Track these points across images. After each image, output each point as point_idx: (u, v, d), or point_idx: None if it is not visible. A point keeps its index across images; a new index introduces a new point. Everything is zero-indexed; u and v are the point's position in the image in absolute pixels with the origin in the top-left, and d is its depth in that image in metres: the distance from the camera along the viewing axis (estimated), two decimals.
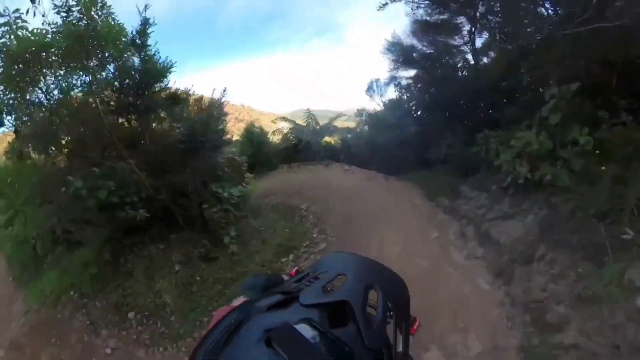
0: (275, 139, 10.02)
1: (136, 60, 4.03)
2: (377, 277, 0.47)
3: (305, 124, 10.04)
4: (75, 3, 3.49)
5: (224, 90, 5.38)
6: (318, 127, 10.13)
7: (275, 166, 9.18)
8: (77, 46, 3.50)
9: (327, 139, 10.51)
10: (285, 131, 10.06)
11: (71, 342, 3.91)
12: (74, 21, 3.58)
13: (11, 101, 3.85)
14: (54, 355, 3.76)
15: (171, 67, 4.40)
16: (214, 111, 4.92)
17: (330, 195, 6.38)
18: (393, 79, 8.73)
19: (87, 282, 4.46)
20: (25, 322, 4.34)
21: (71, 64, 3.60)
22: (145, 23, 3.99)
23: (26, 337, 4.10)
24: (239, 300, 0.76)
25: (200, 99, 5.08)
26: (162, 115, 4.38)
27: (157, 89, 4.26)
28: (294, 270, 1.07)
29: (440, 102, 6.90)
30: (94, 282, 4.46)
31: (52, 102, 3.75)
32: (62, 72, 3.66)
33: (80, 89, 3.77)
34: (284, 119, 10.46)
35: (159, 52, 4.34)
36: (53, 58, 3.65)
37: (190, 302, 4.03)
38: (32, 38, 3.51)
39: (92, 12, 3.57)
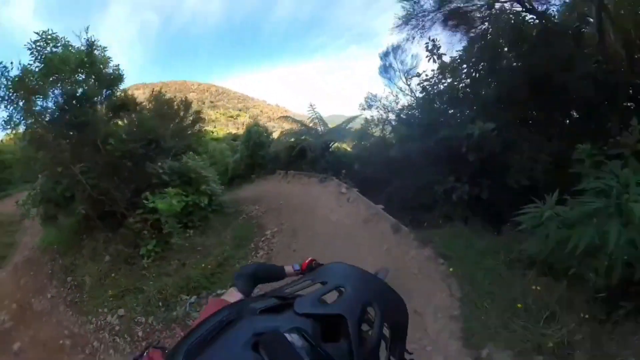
0: (284, 140, 8.79)
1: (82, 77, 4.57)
2: (377, 296, 0.47)
3: (311, 125, 8.72)
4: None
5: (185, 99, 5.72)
6: (322, 130, 8.65)
7: (273, 171, 8.55)
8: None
9: (338, 145, 9.09)
10: (281, 132, 9.10)
11: (40, 276, 5.24)
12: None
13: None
14: (29, 274, 5.26)
15: (119, 78, 4.98)
16: (155, 122, 5.27)
17: (304, 232, 5.26)
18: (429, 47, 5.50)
19: (66, 244, 5.69)
20: (26, 255, 6.05)
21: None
22: (91, 43, 4.53)
23: (21, 263, 5.76)
24: (231, 293, 0.91)
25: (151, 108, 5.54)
26: (105, 128, 4.95)
27: (99, 104, 4.84)
28: (305, 262, 1.16)
29: (514, 91, 4.71)
30: (65, 245, 5.63)
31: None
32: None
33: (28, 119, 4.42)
34: (287, 117, 9.52)
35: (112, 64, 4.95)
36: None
37: (101, 290, 4.56)
38: None
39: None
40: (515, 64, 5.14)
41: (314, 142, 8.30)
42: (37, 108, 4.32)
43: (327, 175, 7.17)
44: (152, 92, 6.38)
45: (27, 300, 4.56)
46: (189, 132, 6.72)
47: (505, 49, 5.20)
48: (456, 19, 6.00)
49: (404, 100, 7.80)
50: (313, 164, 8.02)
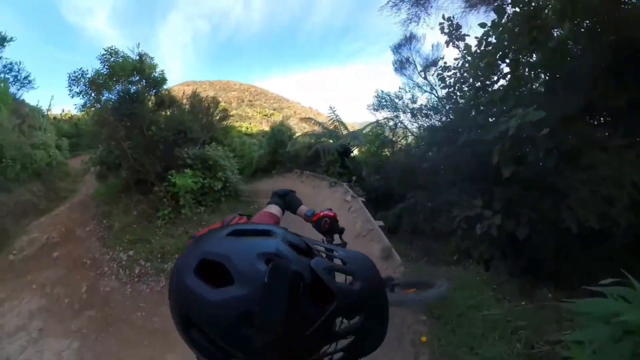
0: (303, 140, 9.23)
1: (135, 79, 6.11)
2: (371, 304, 0.47)
3: (332, 127, 8.90)
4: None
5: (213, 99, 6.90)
6: (342, 133, 8.74)
7: (291, 169, 8.98)
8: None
9: (357, 150, 9.26)
10: (303, 133, 9.38)
11: (85, 215, 6.68)
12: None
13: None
14: (79, 212, 6.76)
15: (163, 80, 6.39)
16: (187, 116, 6.52)
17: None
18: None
19: (110, 197, 7.05)
20: (81, 199, 7.64)
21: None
22: (141, 55, 6.01)
23: (77, 203, 7.36)
24: (270, 207, 1.10)
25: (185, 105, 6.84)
26: (150, 117, 6.37)
27: (148, 99, 6.29)
28: (319, 214, 1.18)
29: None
30: (108, 197, 6.99)
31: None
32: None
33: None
34: (309, 119, 9.77)
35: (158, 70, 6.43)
36: None
37: (122, 234, 5.72)
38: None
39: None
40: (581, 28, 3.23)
41: (330, 145, 8.50)
42: (103, 98, 5.96)
43: (338, 180, 7.20)
44: (196, 89, 7.72)
45: (72, 228, 6.15)
46: (216, 126, 7.85)
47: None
48: None
49: (423, 98, 6.52)
50: (328, 167, 8.29)
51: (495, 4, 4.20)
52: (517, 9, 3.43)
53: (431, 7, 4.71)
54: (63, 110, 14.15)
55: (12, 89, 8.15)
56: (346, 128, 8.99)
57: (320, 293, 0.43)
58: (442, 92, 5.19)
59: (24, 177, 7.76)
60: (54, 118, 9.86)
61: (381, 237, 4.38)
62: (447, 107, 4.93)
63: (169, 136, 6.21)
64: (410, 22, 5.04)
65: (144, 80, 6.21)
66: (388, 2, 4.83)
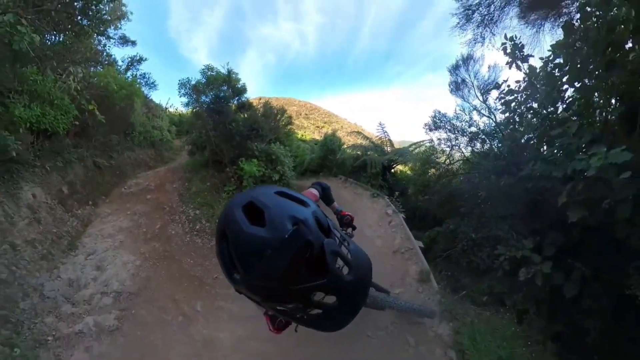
0: (350, 151, 10.00)
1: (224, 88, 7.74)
2: (350, 296, 0.52)
3: (378, 142, 9.52)
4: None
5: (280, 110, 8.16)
6: (388, 149, 9.28)
7: (336, 175, 9.62)
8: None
9: (400, 167, 9.42)
10: (351, 144, 9.96)
11: (174, 176, 8.26)
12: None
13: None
14: (171, 174, 8.43)
15: (244, 90, 7.90)
16: (260, 118, 7.86)
17: None
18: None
19: (194, 168, 8.70)
20: (175, 166, 9.44)
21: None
22: (230, 70, 7.63)
23: (172, 168, 9.14)
24: (310, 190, 1.43)
25: (258, 110, 8.21)
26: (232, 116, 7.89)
27: (232, 103, 7.87)
28: (345, 212, 1.46)
29: None
30: (193, 169, 8.62)
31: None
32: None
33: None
34: (358, 133, 10.43)
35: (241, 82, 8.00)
36: None
37: (196, 197, 7.06)
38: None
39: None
40: None
41: (377, 159, 8.94)
42: (201, 99, 7.78)
43: (380, 192, 7.44)
44: (266, 101, 9.20)
45: (164, 183, 7.78)
46: (281, 130, 9.10)
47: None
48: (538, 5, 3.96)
49: (480, 122, 6.16)
50: (371, 179, 8.71)
51: (563, 19, 3.83)
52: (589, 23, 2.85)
53: (496, 27, 4.38)
54: (172, 106, 18.44)
55: (144, 90, 11.25)
56: (392, 145, 9.22)
57: (319, 266, 0.49)
58: (501, 117, 4.83)
59: (144, 145, 10.36)
60: (168, 112, 12.80)
61: (420, 258, 4.12)
62: (506, 134, 4.48)
63: (244, 131, 7.58)
64: (475, 43, 4.82)
65: (230, 89, 7.85)
66: (457, 24, 4.74)
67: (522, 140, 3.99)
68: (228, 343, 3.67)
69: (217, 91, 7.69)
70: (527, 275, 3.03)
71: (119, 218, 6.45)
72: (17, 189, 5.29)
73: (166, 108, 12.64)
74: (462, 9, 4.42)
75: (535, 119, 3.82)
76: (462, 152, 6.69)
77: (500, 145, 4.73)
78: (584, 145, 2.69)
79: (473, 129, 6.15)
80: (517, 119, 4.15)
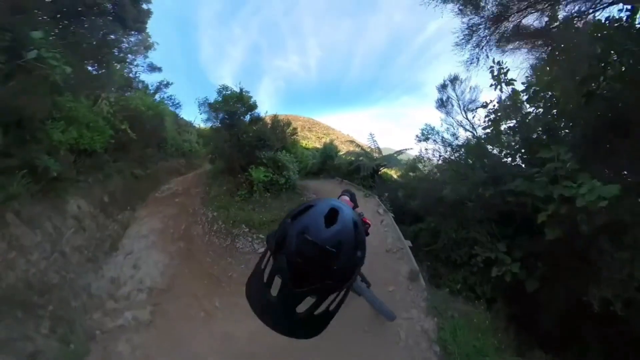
0: (345, 157, 9.89)
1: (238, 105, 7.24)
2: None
3: (368, 150, 9.40)
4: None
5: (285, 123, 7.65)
6: (377, 155, 9.13)
7: (334, 177, 9.57)
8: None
9: (386, 170, 9.16)
10: (346, 151, 9.87)
11: (199, 181, 8.02)
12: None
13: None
14: (196, 178, 8.23)
15: (255, 106, 7.40)
16: (267, 130, 7.37)
17: None
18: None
19: (214, 174, 8.32)
20: (201, 172, 9.14)
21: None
22: (242, 89, 7.09)
23: (198, 174, 8.89)
24: (344, 197, 1.60)
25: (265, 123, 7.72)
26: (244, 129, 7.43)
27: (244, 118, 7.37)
28: (365, 219, 1.37)
29: None
30: (214, 175, 8.23)
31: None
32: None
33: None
34: (352, 142, 10.26)
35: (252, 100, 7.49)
36: None
37: (213, 200, 6.72)
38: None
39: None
40: None
41: (368, 163, 8.87)
42: (217, 115, 7.31)
43: (371, 193, 7.28)
44: (274, 116, 8.62)
45: (190, 187, 7.53)
46: (288, 139, 8.61)
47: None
48: (516, 37, 3.93)
49: (464, 136, 5.87)
50: (363, 180, 8.63)
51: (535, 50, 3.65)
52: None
53: (491, 49, 4.15)
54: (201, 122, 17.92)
55: (171, 109, 10.73)
56: (380, 152, 9.03)
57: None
58: (481, 133, 4.48)
59: (176, 155, 9.99)
60: (198, 127, 12.26)
61: (410, 258, 3.84)
62: (488, 151, 4.18)
63: (253, 142, 7.15)
64: (470, 64, 4.56)
65: (242, 106, 7.31)
66: (457, 43, 4.48)
67: (503, 157, 3.80)
68: (244, 337, 3.45)
69: (230, 107, 7.18)
70: (498, 273, 3.09)
71: (153, 220, 6.19)
72: (63, 203, 4.99)
73: (197, 124, 12.22)
74: (466, 27, 4.08)
75: (516, 138, 3.56)
76: (447, 162, 6.22)
77: (485, 159, 4.24)
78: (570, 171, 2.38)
79: (456, 142, 5.91)
80: (503, 137, 3.84)
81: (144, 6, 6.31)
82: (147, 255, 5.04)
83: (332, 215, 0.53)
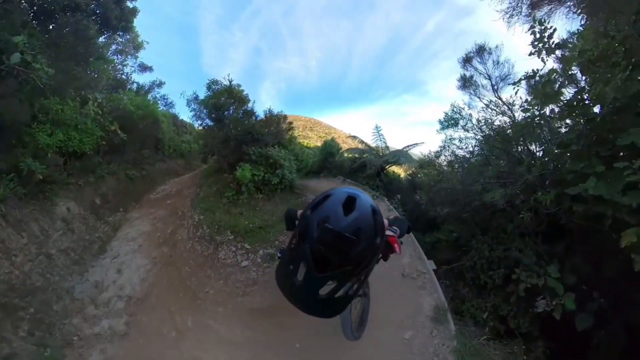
0: (347, 154, 9.42)
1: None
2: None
3: (374, 145, 8.75)
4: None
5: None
6: (383, 151, 8.44)
7: (336, 175, 9.09)
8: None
9: (393, 169, 8.48)
10: (348, 148, 9.29)
11: (193, 182, 8.09)
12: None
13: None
14: (192, 178, 8.38)
15: (246, 100, 7.24)
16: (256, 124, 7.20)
17: None
18: None
19: (207, 174, 8.34)
20: (197, 172, 9.28)
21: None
22: (231, 82, 6.95)
23: (193, 175, 9.08)
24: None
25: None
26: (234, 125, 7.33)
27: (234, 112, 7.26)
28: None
29: None
30: (206, 175, 8.13)
31: None
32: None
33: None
34: (355, 137, 9.61)
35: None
36: None
37: (202, 201, 6.72)
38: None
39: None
40: None
41: (374, 160, 8.28)
42: (204, 111, 7.29)
43: (379, 195, 6.62)
44: (268, 109, 8.35)
45: (183, 188, 7.64)
46: (284, 134, 8.29)
47: None
48: None
49: (498, 121, 4.47)
50: (368, 179, 8.07)
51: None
52: None
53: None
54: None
55: (163, 108, 11.13)
56: (387, 147, 8.34)
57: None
58: (522, 115, 3.42)
59: (174, 156, 10.29)
60: (196, 128, 12.60)
61: (435, 287, 3.04)
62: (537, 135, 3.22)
63: (238, 136, 6.97)
64: (510, 17, 3.73)
65: (232, 99, 7.19)
66: None
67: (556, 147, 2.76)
68: None
69: (219, 101, 7.07)
70: (547, 308, 2.31)
71: (143, 222, 6.35)
72: (51, 205, 5.28)
73: (190, 123, 12.52)
74: None
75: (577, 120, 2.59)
76: (484, 155, 4.86)
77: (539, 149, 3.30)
78: None
79: (485, 128, 4.54)
80: (557, 115, 2.84)
81: (129, 4, 6.42)
82: (132, 260, 5.16)
83: (350, 202, 0.60)
